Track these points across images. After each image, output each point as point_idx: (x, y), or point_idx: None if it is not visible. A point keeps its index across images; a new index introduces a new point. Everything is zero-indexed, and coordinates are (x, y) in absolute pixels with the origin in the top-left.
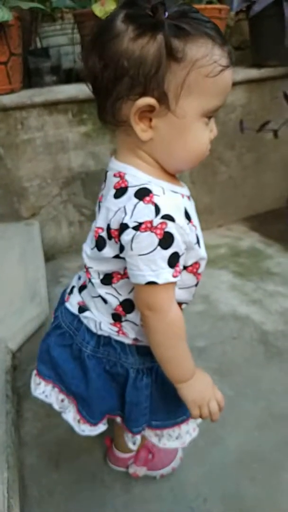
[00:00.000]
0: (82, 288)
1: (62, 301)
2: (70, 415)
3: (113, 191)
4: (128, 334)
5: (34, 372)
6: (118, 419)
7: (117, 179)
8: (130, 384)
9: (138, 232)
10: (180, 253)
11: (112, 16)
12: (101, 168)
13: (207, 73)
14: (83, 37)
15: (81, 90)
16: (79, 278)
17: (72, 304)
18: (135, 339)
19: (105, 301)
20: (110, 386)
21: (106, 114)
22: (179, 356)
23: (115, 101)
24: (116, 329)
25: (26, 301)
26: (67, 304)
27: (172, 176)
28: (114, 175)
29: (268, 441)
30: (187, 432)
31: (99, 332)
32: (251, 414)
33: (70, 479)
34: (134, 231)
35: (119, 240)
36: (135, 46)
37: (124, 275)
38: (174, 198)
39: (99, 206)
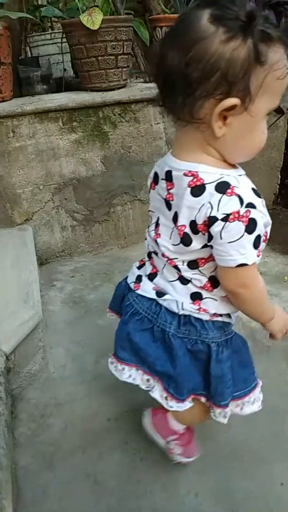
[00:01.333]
0: (151, 275)
1: (120, 293)
2: (157, 393)
3: (188, 190)
4: (208, 310)
5: (111, 360)
6: (203, 399)
7: (190, 178)
8: (214, 358)
9: (227, 223)
10: (262, 235)
11: (195, 15)
12: (92, 174)
13: (279, 75)
14: (72, 46)
15: (71, 98)
16: (140, 267)
17: (147, 290)
18: (214, 314)
19: (185, 283)
20: (193, 365)
21: (180, 111)
22: (267, 307)
23: (198, 99)
24: (196, 307)
25: (20, 304)
26: (140, 292)
27: (232, 164)
28: (185, 174)
29: (258, 435)
30: (259, 396)
31: (181, 312)
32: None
33: (64, 479)
34: (223, 222)
35: (208, 232)
36: (226, 48)
37: (209, 259)
38: (246, 183)
39: (169, 204)
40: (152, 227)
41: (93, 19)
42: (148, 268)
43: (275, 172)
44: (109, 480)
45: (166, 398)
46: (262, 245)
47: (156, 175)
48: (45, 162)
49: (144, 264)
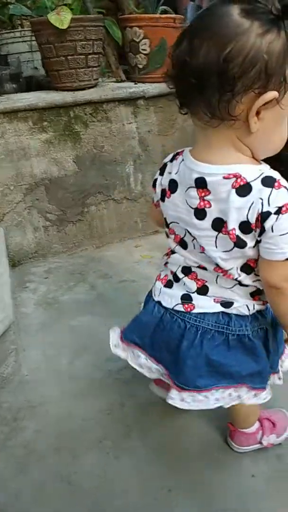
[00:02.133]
0: (202, 289)
1: (150, 320)
2: (245, 398)
3: (233, 191)
4: (266, 300)
5: (189, 394)
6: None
7: (232, 180)
8: (270, 337)
9: (280, 215)
10: None
11: (224, 10)
12: (64, 174)
13: None
14: (41, 45)
15: (41, 98)
16: (169, 286)
17: (208, 306)
18: (267, 302)
19: (244, 286)
20: (267, 355)
21: (215, 110)
22: None
23: (237, 95)
24: (259, 301)
25: None
26: (200, 309)
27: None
28: (225, 178)
29: (226, 430)
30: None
31: (251, 312)
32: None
33: (37, 482)
34: (276, 215)
35: (261, 227)
36: (263, 42)
37: (257, 258)
38: (279, 175)
39: (202, 212)
40: (189, 238)
41: (61, 18)
42: (190, 284)
43: None
44: (84, 481)
45: (255, 395)
46: None
47: (174, 183)
48: (16, 162)
49: (170, 281)
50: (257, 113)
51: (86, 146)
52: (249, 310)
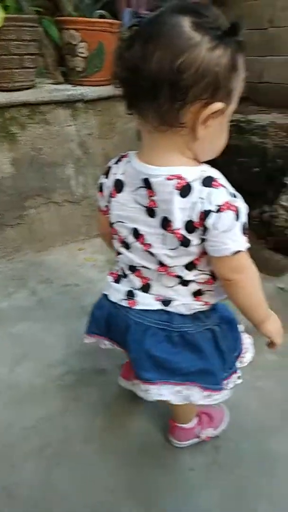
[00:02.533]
0: (145, 287)
1: (103, 314)
2: (197, 397)
3: (176, 192)
4: (209, 302)
5: (133, 383)
6: (224, 382)
7: (175, 181)
8: (220, 338)
9: (221, 213)
10: (245, 222)
11: (175, 20)
12: (0, 176)
13: (241, 80)
14: None
15: None
16: (117, 281)
17: (149, 303)
18: (212, 304)
19: (186, 284)
20: (216, 354)
21: (164, 116)
22: (262, 298)
23: (186, 104)
24: (200, 302)
25: None
26: (141, 306)
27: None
28: (168, 179)
29: (165, 426)
30: (248, 342)
31: (190, 312)
32: (154, 403)
33: None
34: (217, 213)
35: (203, 225)
36: (213, 56)
37: (202, 255)
38: (221, 175)
39: (152, 211)
40: (131, 239)
41: None
42: (135, 281)
43: None
44: (24, 491)
45: (208, 395)
46: None
47: (119, 183)
48: None
49: (119, 276)
50: (205, 121)
51: (24, 148)
52: (187, 310)
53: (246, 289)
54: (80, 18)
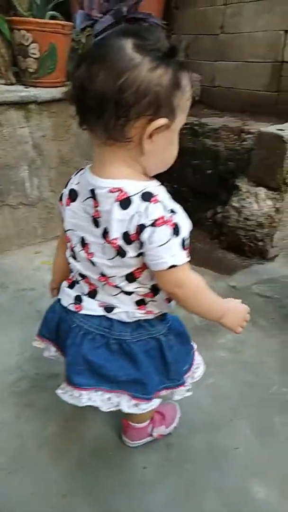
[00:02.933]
0: (92, 293)
1: (54, 317)
2: (125, 405)
3: (117, 204)
4: (153, 311)
5: (65, 389)
6: (163, 392)
7: (116, 193)
8: (166, 347)
9: (155, 228)
10: (186, 237)
11: (118, 43)
12: None
13: (188, 97)
14: None
15: None
16: (71, 286)
17: (93, 309)
18: (157, 313)
19: (129, 294)
20: (152, 364)
21: (110, 132)
22: (211, 302)
23: (130, 120)
24: (143, 311)
25: None
26: (85, 311)
27: (150, 176)
28: (111, 191)
29: (118, 427)
30: (199, 358)
31: (132, 320)
32: None
33: None
34: (152, 228)
35: (139, 239)
36: (153, 76)
37: (144, 267)
38: (164, 191)
39: (96, 221)
40: (79, 247)
41: None
42: (84, 287)
43: None
44: None
45: (136, 404)
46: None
47: (73, 193)
48: None
49: (73, 282)
50: (150, 136)
51: None
52: (129, 317)
53: (189, 301)
54: (32, 19)
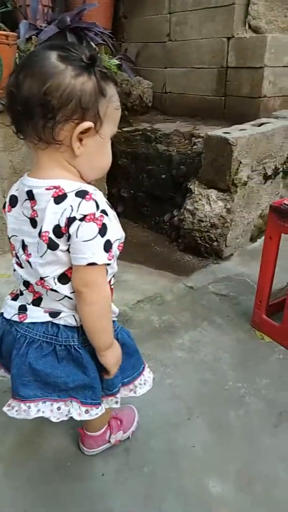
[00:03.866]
0: (36, 301)
1: (0, 333)
2: (75, 413)
3: (52, 200)
4: None
5: (12, 405)
6: (106, 402)
7: (53, 191)
8: None
9: (84, 222)
10: (112, 241)
11: (45, 54)
12: None
13: (115, 106)
14: None
15: None
16: (15, 299)
17: (38, 316)
18: None
19: (71, 299)
20: (98, 369)
21: (41, 134)
22: (108, 326)
23: (58, 123)
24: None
25: None
26: (30, 320)
27: (87, 182)
28: (48, 189)
29: (75, 439)
30: (149, 376)
31: (79, 324)
32: None
33: None
34: (80, 222)
35: (68, 231)
36: (77, 82)
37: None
38: (101, 195)
39: (34, 221)
40: (20, 251)
41: None
42: (28, 296)
43: (102, 184)
44: None
45: (86, 411)
46: (116, 252)
47: (13, 198)
48: None
49: (17, 295)
50: (81, 140)
51: None
52: (76, 320)
53: (92, 306)
54: None
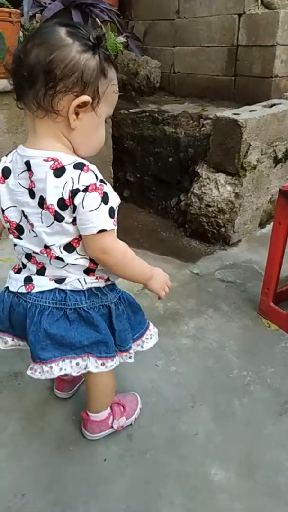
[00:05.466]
0: (41, 271)
1: (4, 307)
2: (93, 367)
3: (51, 172)
4: (103, 276)
5: (34, 368)
6: (120, 355)
7: (51, 163)
8: (114, 316)
9: (87, 193)
10: (114, 207)
11: (54, 28)
12: None
13: (114, 89)
14: None
15: None
16: (19, 272)
17: (44, 284)
18: (107, 279)
19: (74, 265)
20: (108, 325)
21: (41, 101)
22: (139, 267)
23: (59, 93)
24: (94, 278)
25: None
26: (37, 289)
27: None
28: (45, 160)
29: (79, 423)
30: (154, 331)
31: (85, 287)
32: (69, 402)
33: None
34: (83, 193)
35: (73, 203)
36: (81, 57)
37: (81, 237)
38: (95, 167)
39: (32, 192)
40: (24, 221)
41: None
42: (32, 268)
43: (108, 167)
44: None
45: (103, 363)
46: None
47: (6, 170)
48: None
49: (20, 269)
50: (77, 114)
51: None
52: (81, 284)
53: (116, 266)
54: None
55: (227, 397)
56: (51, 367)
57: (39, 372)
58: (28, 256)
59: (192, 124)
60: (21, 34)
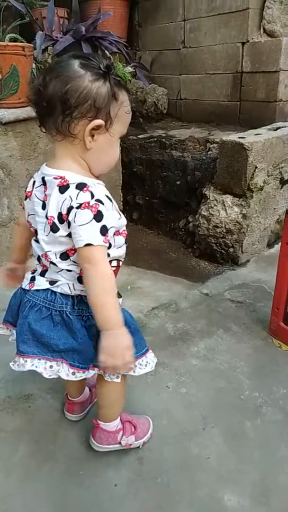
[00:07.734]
0: (43, 272)
1: (17, 302)
2: (63, 373)
3: (57, 189)
4: None
5: (14, 360)
6: (96, 370)
7: (59, 180)
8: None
9: (80, 209)
10: (108, 227)
11: (68, 61)
12: None
13: (126, 110)
14: None
15: None
16: (34, 272)
17: (41, 284)
18: None
19: (69, 271)
20: (89, 338)
21: (59, 127)
22: (111, 303)
23: (75, 119)
24: (84, 286)
25: None
26: (36, 287)
27: (95, 176)
28: (55, 178)
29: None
30: (152, 360)
31: (73, 293)
32: (79, 425)
33: None
34: (76, 209)
35: (68, 219)
36: (93, 85)
37: (75, 249)
38: (101, 188)
39: (44, 204)
40: (39, 228)
41: None
42: (39, 269)
43: (117, 190)
44: None
45: (73, 373)
46: (120, 238)
47: (33, 183)
48: None
49: (35, 270)
50: (92, 136)
51: None
52: (70, 289)
53: (94, 278)
54: None
55: (239, 419)
56: (25, 361)
57: (18, 365)
58: (38, 258)
59: (199, 148)
60: (34, 66)
